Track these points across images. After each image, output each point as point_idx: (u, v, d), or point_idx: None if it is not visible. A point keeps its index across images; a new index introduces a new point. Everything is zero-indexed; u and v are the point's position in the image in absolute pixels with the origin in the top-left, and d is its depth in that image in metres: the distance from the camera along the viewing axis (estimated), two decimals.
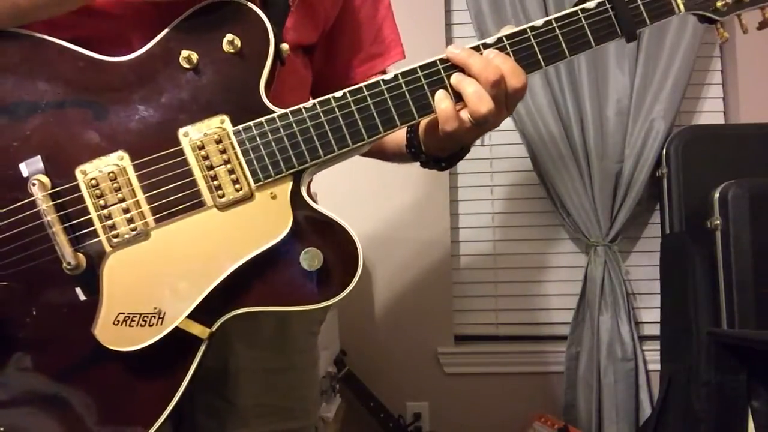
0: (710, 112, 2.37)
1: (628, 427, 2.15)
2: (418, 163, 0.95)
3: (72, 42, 0.77)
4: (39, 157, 0.74)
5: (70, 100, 0.76)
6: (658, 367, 2.15)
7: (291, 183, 0.76)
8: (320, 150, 0.76)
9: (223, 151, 0.75)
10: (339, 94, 0.77)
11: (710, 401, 1.85)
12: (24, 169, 0.74)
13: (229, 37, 0.75)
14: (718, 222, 1.84)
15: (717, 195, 1.86)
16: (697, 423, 1.88)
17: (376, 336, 2.34)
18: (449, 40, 2.37)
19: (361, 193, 2.30)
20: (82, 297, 0.75)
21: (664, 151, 2.14)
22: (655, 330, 2.22)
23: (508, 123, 2.31)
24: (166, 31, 0.76)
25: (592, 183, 2.21)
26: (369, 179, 2.30)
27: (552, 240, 2.39)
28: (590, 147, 2.21)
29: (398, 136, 0.93)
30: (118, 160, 0.75)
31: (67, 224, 0.74)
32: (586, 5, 0.81)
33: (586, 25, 0.80)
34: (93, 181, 0.74)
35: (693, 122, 2.36)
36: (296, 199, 0.76)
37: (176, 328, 0.74)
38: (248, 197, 0.76)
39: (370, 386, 2.18)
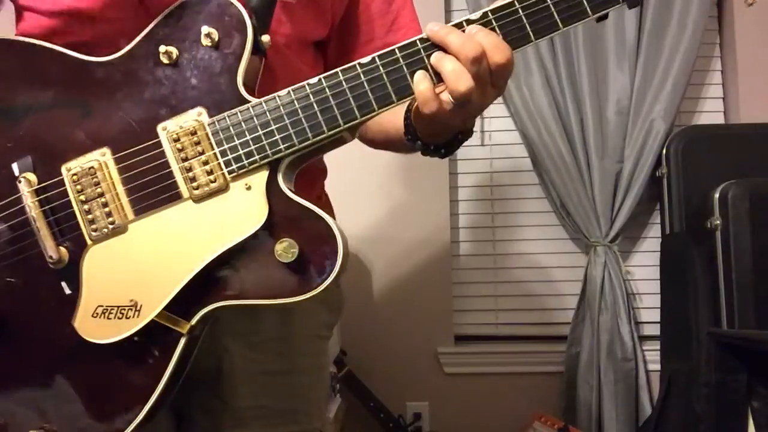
0: (710, 112, 2.37)
1: (628, 427, 2.15)
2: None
3: (66, 48, 0.79)
4: (29, 156, 0.77)
5: (59, 100, 0.78)
6: (658, 367, 2.16)
7: (267, 173, 0.75)
8: (294, 138, 0.74)
9: (197, 143, 0.75)
10: (314, 80, 0.75)
11: (710, 401, 1.86)
12: (16, 168, 0.77)
13: (206, 30, 0.75)
14: (718, 222, 1.84)
15: (717, 195, 1.87)
16: (697, 423, 1.88)
17: (376, 336, 2.34)
18: None
19: (361, 193, 2.31)
20: (68, 291, 0.76)
21: (664, 151, 2.14)
22: (655, 330, 2.22)
23: (508, 123, 2.32)
24: (148, 28, 0.77)
25: (592, 183, 2.21)
26: (368, 179, 2.30)
27: (552, 240, 2.39)
28: (590, 147, 2.21)
29: (400, 123, 0.89)
30: (100, 156, 0.76)
31: (51, 218, 0.76)
32: None
33: None
34: (75, 177, 0.76)
35: (693, 122, 2.36)
36: (272, 189, 0.75)
37: (154, 322, 0.74)
38: (223, 188, 0.75)
39: (370, 386, 2.18)
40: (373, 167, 2.30)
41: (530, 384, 2.32)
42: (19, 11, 0.90)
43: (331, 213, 0.99)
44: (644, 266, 2.33)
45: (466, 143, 0.88)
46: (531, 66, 2.21)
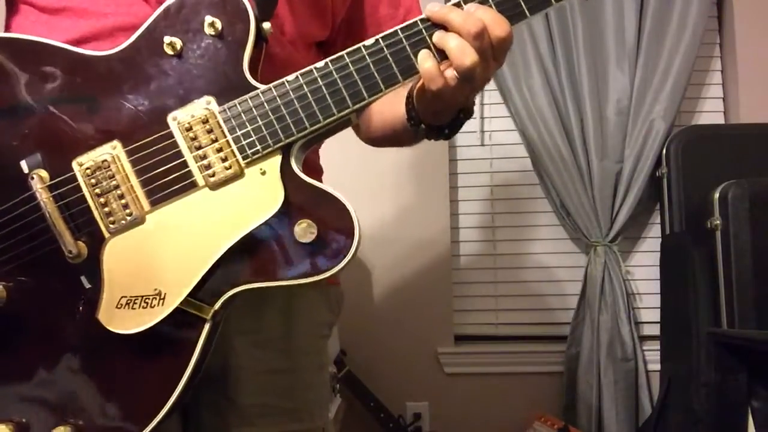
0: (710, 112, 2.37)
1: (628, 427, 2.15)
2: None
3: (69, 44, 0.79)
4: (38, 153, 0.77)
5: (63, 96, 0.78)
6: (658, 367, 2.15)
7: (280, 157, 0.76)
8: (306, 121, 0.75)
9: (210, 131, 0.75)
10: (321, 64, 0.76)
11: (710, 401, 1.85)
12: (24, 165, 0.77)
13: (209, 19, 0.75)
14: (718, 222, 1.84)
15: (717, 195, 1.86)
16: (697, 423, 1.88)
17: (376, 336, 2.34)
18: None
19: (361, 193, 2.30)
20: (87, 285, 0.77)
21: (664, 151, 2.14)
22: (655, 330, 2.22)
23: (508, 123, 2.32)
24: (150, 20, 0.77)
25: (592, 183, 2.22)
26: (369, 179, 2.30)
27: (552, 240, 2.39)
28: (590, 147, 2.21)
29: (400, 112, 0.91)
30: (111, 149, 0.77)
31: (67, 214, 0.76)
32: None
33: None
34: (88, 171, 0.76)
35: (693, 122, 2.36)
36: (287, 173, 0.76)
37: (178, 309, 0.75)
38: (238, 175, 0.76)
39: (370, 386, 2.18)
40: (374, 167, 2.30)
41: (530, 384, 2.32)
42: (13, 4, 0.90)
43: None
44: (644, 266, 2.33)
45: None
46: (531, 66, 2.21)
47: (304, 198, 0.75)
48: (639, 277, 2.32)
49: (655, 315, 2.23)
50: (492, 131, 2.39)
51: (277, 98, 0.76)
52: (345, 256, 0.75)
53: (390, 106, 0.91)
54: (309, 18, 0.93)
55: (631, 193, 2.20)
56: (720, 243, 1.85)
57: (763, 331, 1.75)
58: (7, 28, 0.91)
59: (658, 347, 2.16)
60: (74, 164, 0.77)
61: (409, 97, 0.87)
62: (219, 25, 0.75)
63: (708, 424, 1.86)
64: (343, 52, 0.76)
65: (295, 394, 0.97)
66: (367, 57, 0.76)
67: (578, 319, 2.24)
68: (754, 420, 1.82)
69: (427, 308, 2.34)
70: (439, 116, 0.85)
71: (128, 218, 0.76)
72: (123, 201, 0.76)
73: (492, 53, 0.76)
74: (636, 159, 2.18)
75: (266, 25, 0.78)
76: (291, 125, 0.75)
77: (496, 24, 0.74)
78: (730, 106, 2.34)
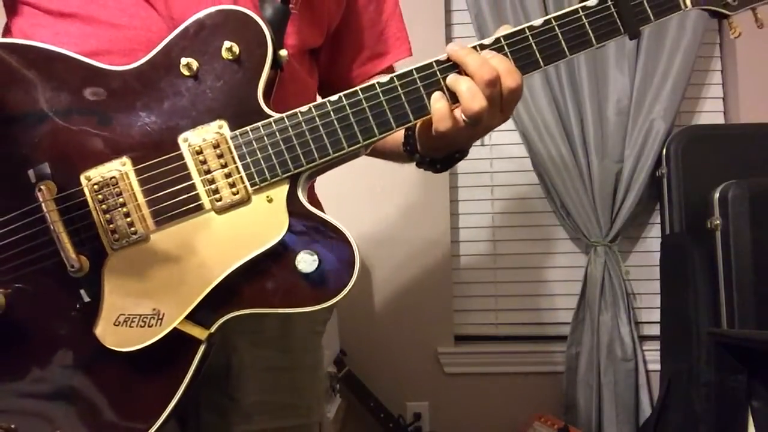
0: (710, 112, 2.37)
1: (628, 427, 2.15)
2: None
3: (82, 55, 0.79)
4: (46, 163, 0.77)
5: (76, 108, 0.78)
6: (658, 367, 2.15)
7: (287, 186, 0.77)
8: (315, 153, 0.77)
9: (220, 156, 0.76)
10: (335, 97, 0.77)
11: (710, 401, 1.86)
12: (32, 175, 0.77)
13: (227, 44, 0.76)
14: (718, 222, 1.84)
15: (717, 195, 1.86)
16: (697, 423, 1.88)
17: (376, 336, 2.34)
18: (449, 40, 2.37)
19: (362, 193, 2.30)
20: (87, 298, 0.77)
21: (664, 151, 2.13)
22: (655, 330, 2.22)
23: (508, 123, 2.30)
24: (168, 39, 0.78)
25: (592, 183, 2.21)
26: (369, 179, 2.30)
27: (552, 240, 2.39)
28: (590, 147, 2.21)
29: (397, 134, 0.92)
30: (120, 165, 0.77)
31: (71, 228, 0.76)
32: (587, 3, 0.79)
33: (587, 24, 0.79)
34: (95, 186, 0.76)
35: (693, 122, 2.36)
36: (293, 202, 0.77)
37: (175, 329, 0.75)
38: (245, 201, 0.77)
39: (370, 386, 2.19)
40: (375, 167, 2.29)
41: (530, 384, 2.33)
42: (13, 4, 0.88)
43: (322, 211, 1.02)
44: (644, 266, 2.33)
45: None
46: None
47: (308, 228, 0.77)
48: (639, 277, 2.32)
49: (655, 315, 2.22)
50: (493, 131, 2.39)
51: (289, 128, 0.77)
52: (342, 290, 0.76)
53: None
54: (309, 30, 0.94)
55: (631, 193, 2.20)
56: (720, 243, 1.84)
57: (763, 331, 1.75)
58: (6, 31, 0.90)
59: (658, 347, 2.16)
60: (82, 178, 0.77)
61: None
62: (237, 50, 0.76)
63: (708, 424, 1.86)
64: (357, 88, 0.77)
65: (294, 390, 1.00)
66: (380, 94, 0.77)
67: (578, 319, 2.25)
68: (754, 420, 1.82)
69: (427, 308, 2.34)
70: (435, 151, 0.87)
71: (133, 236, 0.77)
72: (129, 219, 0.76)
73: (500, 102, 0.78)
74: (636, 159, 2.18)
75: (283, 52, 0.79)
76: (301, 156, 0.77)
77: (509, 75, 0.76)
78: (730, 106, 2.33)
